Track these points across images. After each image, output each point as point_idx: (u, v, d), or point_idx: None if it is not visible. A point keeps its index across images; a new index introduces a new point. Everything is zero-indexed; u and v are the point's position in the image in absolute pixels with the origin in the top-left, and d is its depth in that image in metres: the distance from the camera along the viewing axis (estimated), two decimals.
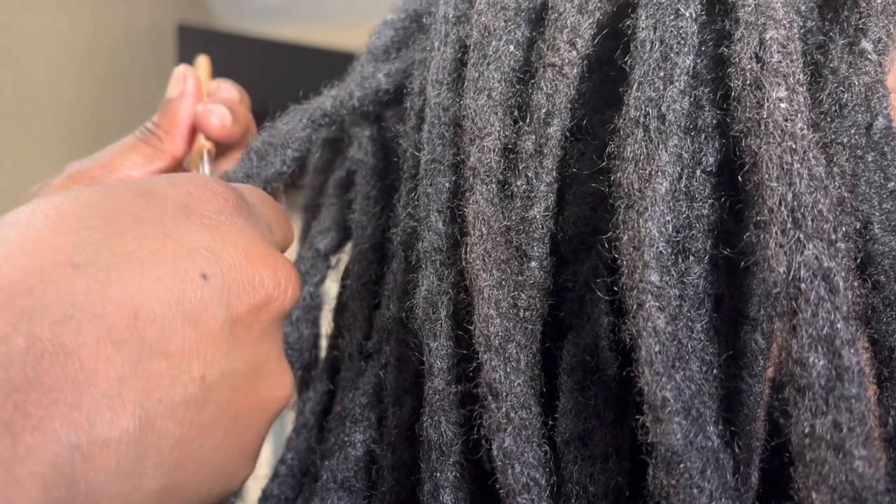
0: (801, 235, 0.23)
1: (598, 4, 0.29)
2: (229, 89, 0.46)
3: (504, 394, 0.27)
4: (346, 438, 0.34)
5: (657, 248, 0.26)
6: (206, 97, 0.45)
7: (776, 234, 0.23)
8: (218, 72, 0.49)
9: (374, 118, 0.42)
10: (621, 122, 0.28)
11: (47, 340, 0.21)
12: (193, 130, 0.44)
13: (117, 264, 0.24)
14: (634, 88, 0.27)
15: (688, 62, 0.27)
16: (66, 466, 0.21)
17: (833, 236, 0.23)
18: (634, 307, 0.26)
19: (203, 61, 0.48)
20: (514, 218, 0.29)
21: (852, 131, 0.27)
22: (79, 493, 0.22)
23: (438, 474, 0.29)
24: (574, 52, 0.29)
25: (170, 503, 0.25)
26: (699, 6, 0.28)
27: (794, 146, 0.24)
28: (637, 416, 0.26)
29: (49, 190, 0.41)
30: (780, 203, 0.23)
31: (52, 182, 0.41)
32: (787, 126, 0.24)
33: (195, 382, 0.24)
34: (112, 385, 0.22)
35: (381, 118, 0.41)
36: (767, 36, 0.26)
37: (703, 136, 0.28)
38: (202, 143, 0.44)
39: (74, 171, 0.41)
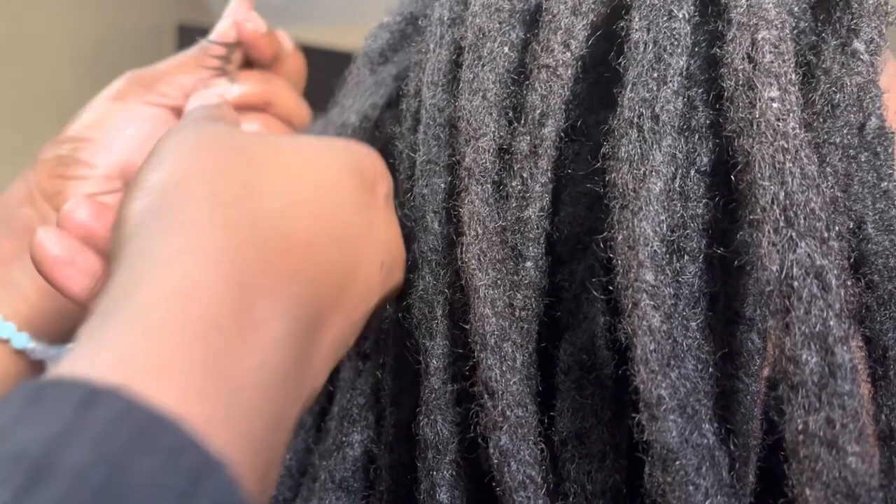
0: (794, 234, 0.23)
1: (592, 6, 0.29)
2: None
3: (500, 392, 0.27)
4: (343, 439, 0.34)
5: (652, 247, 0.26)
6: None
7: (769, 232, 0.24)
8: None
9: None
10: (615, 122, 0.28)
11: (314, 299, 0.24)
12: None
13: (347, 244, 0.27)
14: (628, 89, 0.28)
15: (681, 63, 0.27)
16: (304, 408, 0.24)
17: (825, 234, 0.23)
18: (630, 306, 0.26)
19: None
20: (509, 218, 0.29)
21: (844, 131, 0.27)
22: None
23: (435, 473, 0.29)
24: (568, 54, 0.29)
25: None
26: (692, 7, 0.28)
27: (786, 145, 0.24)
28: (633, 415, 0.26)
29: (115, 93, 0.43)
30: (772, 202, 0.24)
31: (117, 87, 0.43)
32: (779, 125, 0.24)
33: (347, 348, 0.28)
34: (329, 347, 0.25)
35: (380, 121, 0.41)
36: (759, 36, 0.26)
37: (696, 137, 0.28)
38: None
39: (134, 77, 0.44)
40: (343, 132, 0.38)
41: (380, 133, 0.38)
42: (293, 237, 0.24)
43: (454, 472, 0.29)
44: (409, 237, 0.33)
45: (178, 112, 0.44)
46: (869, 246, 0.28)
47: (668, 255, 0.27)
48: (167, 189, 0.23)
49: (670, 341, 0.25)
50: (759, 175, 0.24)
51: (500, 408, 0.27)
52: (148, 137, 0.42)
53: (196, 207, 0.22)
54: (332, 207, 0.27)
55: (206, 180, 0.23)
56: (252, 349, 0.20)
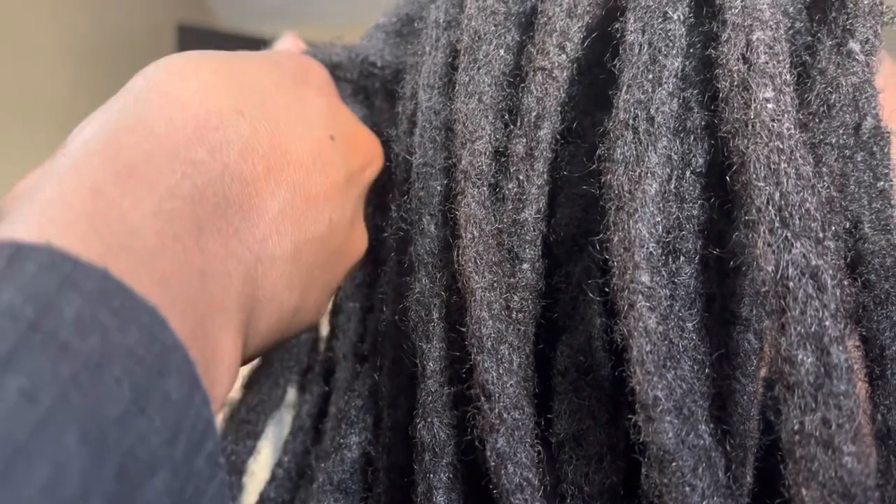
0: (789, 234, 0.23)
1: (588, 8, 0.29)
2: None
3: (496, 395, 0.27)
4: (341, 440, 0.34)
5: (647, 248, 0.26)
6: None
7: (764, 233, 0.24)
8: None
9: (362, 96, 0.41)
10: (611, 124, 0.28)
11: (233, 169, 0.26)
12: None
13: (271, 118, 0.29)
14: (623, 91, 0.28)
15: (676, 64, 0.27)
16: (253, 271, 0.26)
17: (821, 235, 0.23)
18: (625, 308, 0.26)
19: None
20: (505, 220, 0.29)
21: (840, 131, 0.27)
22: (255, 298, 0.27)
23: (432, 476, 0.29)
24: (564, 56, 0.29)
25: (293, 323, 0.30)
26: (687, 9, 0.28)
27: (781, 146, 0.24)
28: (630, 416, 0.26)
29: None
30: (767, 202, 0.24)
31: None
32: (774, 126, 0.24)
33: (324, 223, 0.30)
34: (276, 214, 0.27)
35: (372, 110, 0.41)
36: (754, 37, 0.26)
37: (691, 138, 0.28)
38: None
39: None
40: None
41: (382, 139, 0.38)
42: (179, 120, 0.26)
43: (451, 475, 0.29)
44: (405, 240, 0.33)
45: None
46: (865, 245, 0.28)
47: (663, 257, 0.27)
48: (90, 119, 0.27)
49: (666, 342, 0.25)
50: (754, 176, 0.24)
51: (496, 410, 0.27)
52: None
53: (95, 125, 0.25)
54: (229, 90, 0.28)
55: (107, 109, 0.26)
56: (141, 202, 0.23)
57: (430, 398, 0.30)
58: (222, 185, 0.25)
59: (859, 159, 0.29)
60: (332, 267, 0.32)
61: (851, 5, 0.28)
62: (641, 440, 0.25)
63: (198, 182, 0.25)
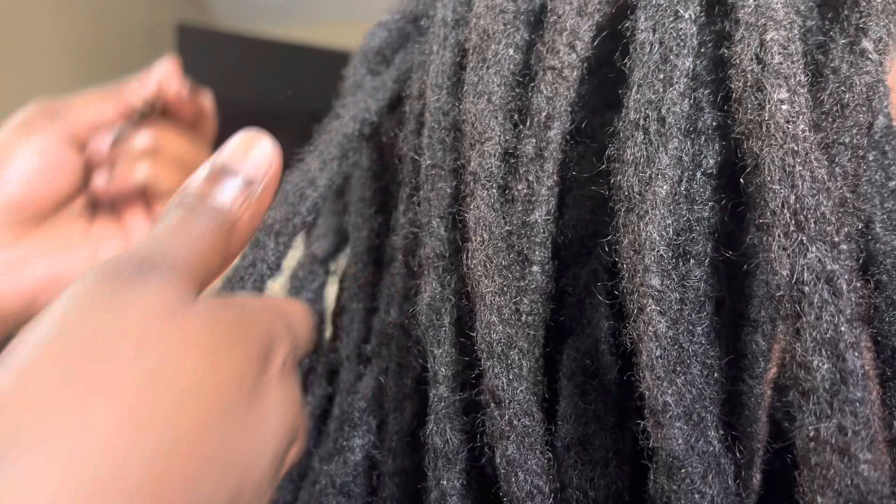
0: (804, 238, 0.23)
1: (598, 6, 0.29)
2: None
3: (507, 401, 0.26)
4: (344, 443, 0.34)
5: (658, 251, 0.25)
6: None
7: (779, 236, 0.23)
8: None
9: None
10: (621, 124, 0.27)
11: None
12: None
13: (223, 451, 0.23)
14: (634, 91, 0.27)
15: (687, 64, 0.27)
16: None
17: (836, 238, 0.23)
18: (635, 311, 0.25)
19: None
20: (515, 222, 0.29)
21: (854, 131, 0.27)
22: None
23: (445, 482, 0.29)
24: (574, 55, 0.29)
25: None
26: (698, 7, 0.28)
27: (795, 148, 0.24)
28: (638, 421, 0.25)
29: (20, 123, 0.44)
30: (782, 205, 0.23)
31: (23, 116, 0.45)
32: (788, 128, 0.24)
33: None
34: None
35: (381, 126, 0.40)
36: (768, 37, 0.25)
37: (703, 139, 0.28)
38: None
39: (42, 107, 0.46)
40: (341, 141, 0.37)
41: (386, 139, 0.37)
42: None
43: (464, 482, 0.29)
44: (414, 243, 0.32)
45: (80, 144, 0.46)
46: (877, 246, 0.28)
47: (674, 260, 0.26)
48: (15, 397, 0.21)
49: (676, 347, 0.25)
50: (768, 178, 0.24)
51: (506, 417, 0.26)
52: (46, 169, 0.45)
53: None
54: (171, 427, 0.22)
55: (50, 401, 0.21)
56: None
57: (442, 404, 0.29)
58: None
59: (871, 159, 0.28)
60: None
61: (864, 4, 0.27)
62: (650, 446, 0.25)
63: None
